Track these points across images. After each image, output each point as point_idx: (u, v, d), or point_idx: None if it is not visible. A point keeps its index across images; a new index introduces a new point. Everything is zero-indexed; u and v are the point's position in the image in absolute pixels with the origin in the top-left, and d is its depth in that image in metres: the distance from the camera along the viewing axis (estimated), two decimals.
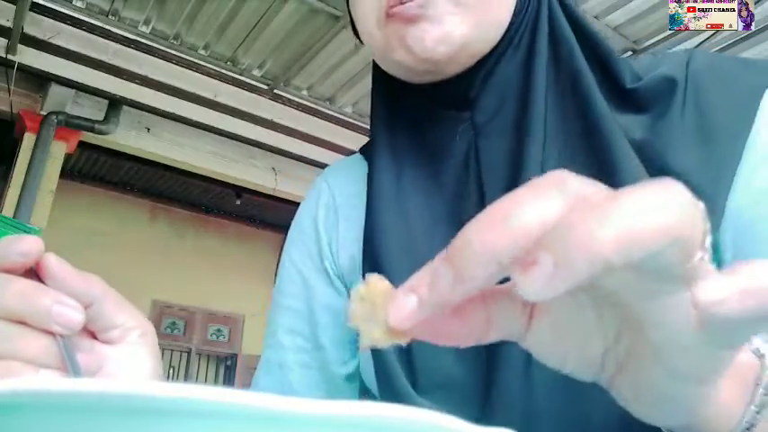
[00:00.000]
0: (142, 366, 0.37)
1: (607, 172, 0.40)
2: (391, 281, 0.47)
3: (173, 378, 5.62)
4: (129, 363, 0.36)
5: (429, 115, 0.49)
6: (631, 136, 0.43)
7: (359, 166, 0.57)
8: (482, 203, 0.45)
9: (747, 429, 0.26)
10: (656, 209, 0.18)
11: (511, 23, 0.46)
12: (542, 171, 0.42)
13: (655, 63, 0.48)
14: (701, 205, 0.20)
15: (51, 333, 0.32)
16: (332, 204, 0.57)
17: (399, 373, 0.43)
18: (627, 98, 0.45)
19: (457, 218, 0.46)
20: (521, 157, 0.44)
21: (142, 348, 0.37)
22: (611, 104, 0.44)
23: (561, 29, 0.47)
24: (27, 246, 0.32)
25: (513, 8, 0.46)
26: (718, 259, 0.41)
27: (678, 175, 0.40)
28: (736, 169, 0.41)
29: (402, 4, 0.42)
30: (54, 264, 0.33)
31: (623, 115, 0.44)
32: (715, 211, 0.40)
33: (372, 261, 0.47)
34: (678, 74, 0.45)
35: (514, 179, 0.43)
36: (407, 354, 0.44)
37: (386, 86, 0.51)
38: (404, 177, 0.49)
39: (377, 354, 0.45)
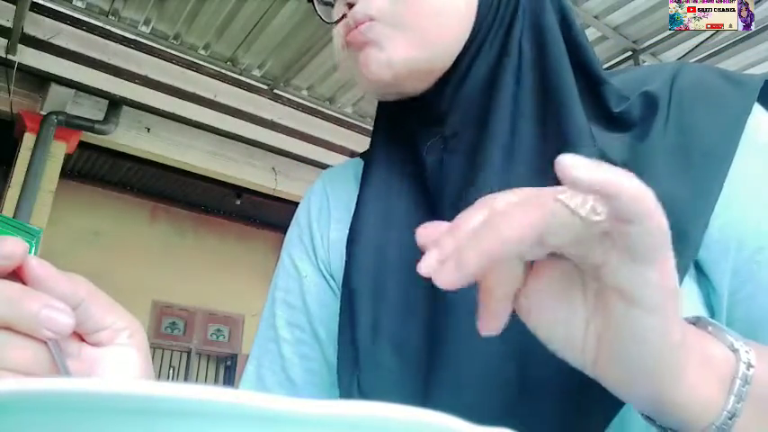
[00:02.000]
0: (133, 367, 0.36)
1: None
2: (359, 299, 0.46)
3: (173, 378, 5.62)
4: (120, 364, 0.35)
5: (407, 129, 0.51)
6: (611, 156, 0.43)
7: (356, 169, 0.58)
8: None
9: (729, 419, 0.29)
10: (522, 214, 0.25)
11: (472, 39, 0.46)
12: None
13: (641, 78, 0.47)
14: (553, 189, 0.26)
15: (38, 339, 0.31)
16: (325, 205, 0.58)
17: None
18: (612, 120, 0.45)
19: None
20: (473, 182, 0.44)
21: (132, 349, 0.36)
22: (594, 125, 0.44)
23: (552, 45, 0.46)
24: (10, 248, 0.31)
25: (473, 23, 0.46)
26: (704, 286, 0.41)
27: (658, 195, 0.40)
28: (719, 194, 0.40)
29: (350, 32, 0.46)
30: (37, 266, 0.32)
31: (606, 135, 0.44)
32: (695, 231, 0.40)
33: (347, 279, 0.48)
34: (662, 91, 0.44)
35: (463, 202, 0.43)
36: (354, 350, 0.45)
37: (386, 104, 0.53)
38: (391, 188, 0.51)
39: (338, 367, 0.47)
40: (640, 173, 0.40)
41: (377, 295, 0.46)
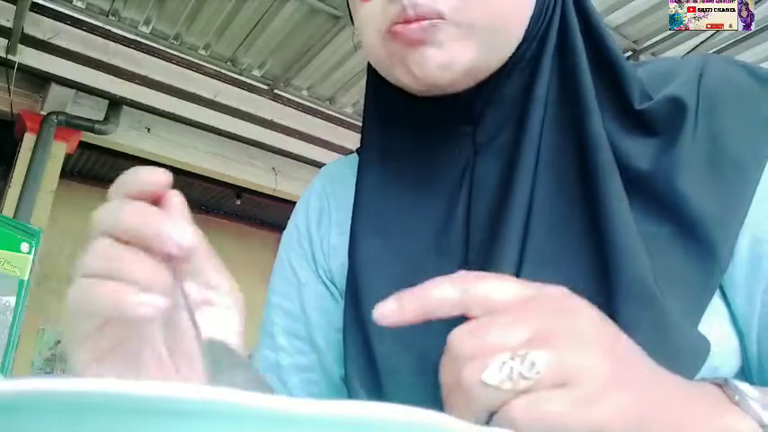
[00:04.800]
0: (232, 331, 0.38)
1: (592, 206, 0.39)
2: (367, 312, 0.46)
3: None
4: (220, 326, 0.37)
5: (428, 126, 0.47)
6: (636, 165, 0.41)
7: (354, 167, 0.55)
8: (468, 231, 0.44)
9: None
10: None
11: (522, 40, 0.44)
12: (530, 202, 0.41)
13: (665, 73, 0.45)
14: None
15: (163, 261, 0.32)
16: (325, 208, 0.56)
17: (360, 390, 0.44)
18: (635, 119, 0.42)
19: (440, 246, 0.45)
20: (509, 186, 0.42)
21: (233, 313, 0.38)
22: (617, 126, 0.42)
23: (573, 41, 0.44)
24: (156, 176, 0.33)
25: (527, 27, 0.43)
26: (727, 301, 0.39)
27: (686, 206, 0.38)
28: (748, 207, 0.39)
29: (406, 23, 0.40)
30: (178, 203, 0.34)
31: (630, 139, 0.42)
32: (725, 247, 0.38)
33: (353, 287, 0.46)
34: (689, 94, 0.42)
35: (498, 209, 0.42)
36: (374, 375, 0.44)
37: (381, 89, 0.49)
38: (393, 189, 0.48)
39: (347, 376, 0.46)
40: (669, 182, 0.39)
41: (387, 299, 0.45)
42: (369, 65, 0.51)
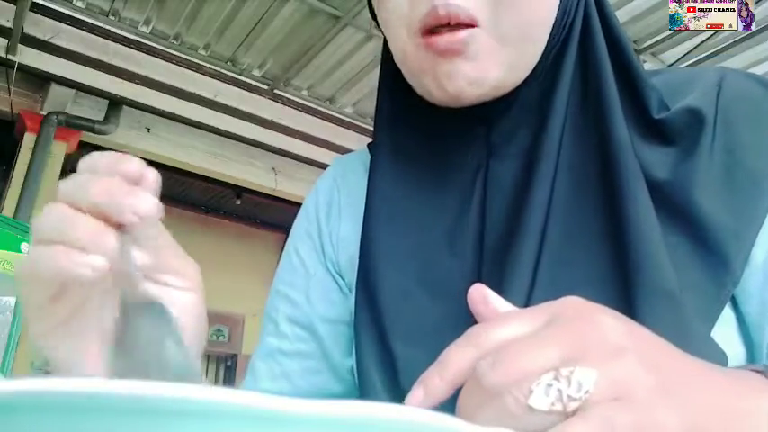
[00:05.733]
0: (190, 311, 0.37)
1: (615, 210, 0.39)
2: (382, 307, 0.45)
3: None
4: (177, 307, 0.36)
5: (442, 125, 0.47)
6: (654, 174, 0.41)
7: (365, 162, 0.55)
8: (481, 232, 0.44)
9: None
10: None
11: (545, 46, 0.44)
12: (549, 204, 0.41)
13: (683, 84, 0.45)
14: None
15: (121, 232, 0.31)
16: (335, 200, 0.56)
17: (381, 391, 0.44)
18: (653, 128, 0.42)
19: (452, 244, 0.45)
20: (527, 190, 0.42)
21: (190, 294, 0.38)
22: (635, 134, 0.42)
23: (596, 45, 0.44)
24: (133, 168, 0.32)
25: (548, 38, 0.43)
26: (739, 311, 0.39)
27: (702, 217, 0.39)
28: (763, 220, 0.39)
29: (435, 34, 0.40)
30: (155, 181, 0.33)
31: (648, 148, 0.42)
32: (738, 259, 0.38)
33: (366, 282, 0.47)
34: (708, 106, 0.42)
35: (516, 212, 0.42)
36: (393, 372, 0.43)
37: (395, 87, 0.49)
38: (405, 187, 0.48)
39: (361, 371, 0.45)
40: (686, 193, 0.40)
41: (405, 299, 0.45)
42: (382, 60, 0.51)
